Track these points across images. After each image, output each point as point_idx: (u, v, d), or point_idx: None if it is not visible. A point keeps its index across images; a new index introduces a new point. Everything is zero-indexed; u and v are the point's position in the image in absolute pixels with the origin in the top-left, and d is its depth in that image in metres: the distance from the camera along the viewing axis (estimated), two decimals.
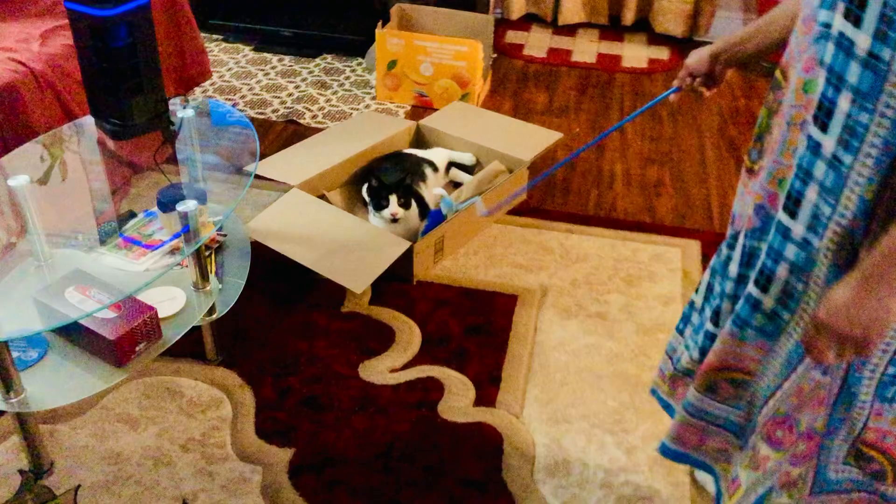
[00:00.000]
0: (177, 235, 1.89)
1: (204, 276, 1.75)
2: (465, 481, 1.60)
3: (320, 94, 2.98)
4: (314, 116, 2.84)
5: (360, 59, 3.24)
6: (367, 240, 2.06)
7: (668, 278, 2.15)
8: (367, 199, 2.22)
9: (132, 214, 2.01)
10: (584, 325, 1.99)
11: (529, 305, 2.05)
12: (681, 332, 1.45)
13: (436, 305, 2.04)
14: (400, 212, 2.12)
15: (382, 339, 1.94)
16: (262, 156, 2.42)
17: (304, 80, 3.08)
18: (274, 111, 2.86)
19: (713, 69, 1.37)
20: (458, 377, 1.84)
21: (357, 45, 3.23)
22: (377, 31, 2.84)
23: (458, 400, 1.78)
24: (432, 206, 2.28)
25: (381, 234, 2.09)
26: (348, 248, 2.03)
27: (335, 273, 1.95)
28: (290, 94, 2.97)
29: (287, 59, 3.23)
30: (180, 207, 1.66)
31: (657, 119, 2.94)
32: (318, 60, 3.23)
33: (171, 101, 1.93)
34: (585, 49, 3.44)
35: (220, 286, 1.84)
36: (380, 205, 2.13)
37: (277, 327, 1.95)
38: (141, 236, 1.94)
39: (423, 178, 2.34)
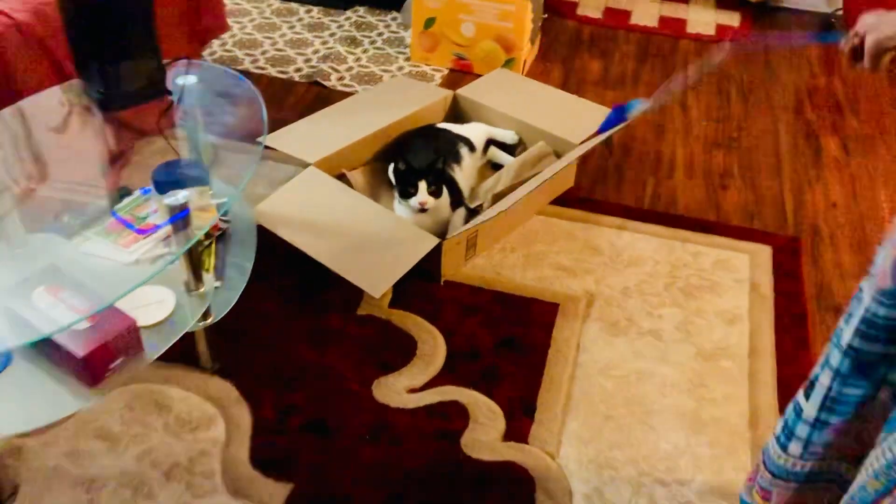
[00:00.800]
0: (171, 220, 1.66)
1: (197, 276, 1.51)
2: None
3: (349, 53, 2.69)
4: (341, 78, 2.56)
5: (395, 14, 2.94)
6: (389, 233, 1.80)
7: (733, 291, 1.87)
8: (392, 182, 1.96)
9: (125, 192, 1.78)
10: (635, 345, 1.73)
11: (572, 317, 1.78)
12: (784, 447, 1.21)
13: (464, 312, 1.78)
14: (430, 201, 1.85)
15: (402, 350, 1.69)
16: (281, 123, 2.17)
17: (332, 34, 2.79)
18: (297, 70, 2.58)
19: (866, 45, 1.05)
20: (486, 403, 1.59)
21: None
22: None
23: (485, 432, 1.54)
24: (466, 193, 2.01)
25: (405, 228, 1.83)
26: (367, 242, 1.78)
27: (351, 272, 1.70)
28: (315, 51, 2.69)
29: (315, 10, 2.93)
30: (168, 200, 1.42)
31: (725, 96, 2.61)
32: (349, 13, 2.93)
33: (176, 64, 1.67)
34: (646, 11, 3.09)
35: (218, 284, 1.60)
36: (407, 192, 1.86)
37: (284, 330, 1.72)
38: (134, 219, 1.70)
39: (457, 159, 2.06)
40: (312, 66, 2.60)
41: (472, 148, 2.12)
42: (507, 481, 1.45)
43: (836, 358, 1.12)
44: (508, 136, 2.21)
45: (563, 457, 1.50)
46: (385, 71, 2.62)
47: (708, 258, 1.96)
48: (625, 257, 1.95)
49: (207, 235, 1.71)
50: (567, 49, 2.81)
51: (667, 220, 2.07)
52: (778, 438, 1.24)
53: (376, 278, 1.70)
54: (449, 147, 2.07)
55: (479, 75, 2.60)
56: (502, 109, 2.23)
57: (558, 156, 2.11)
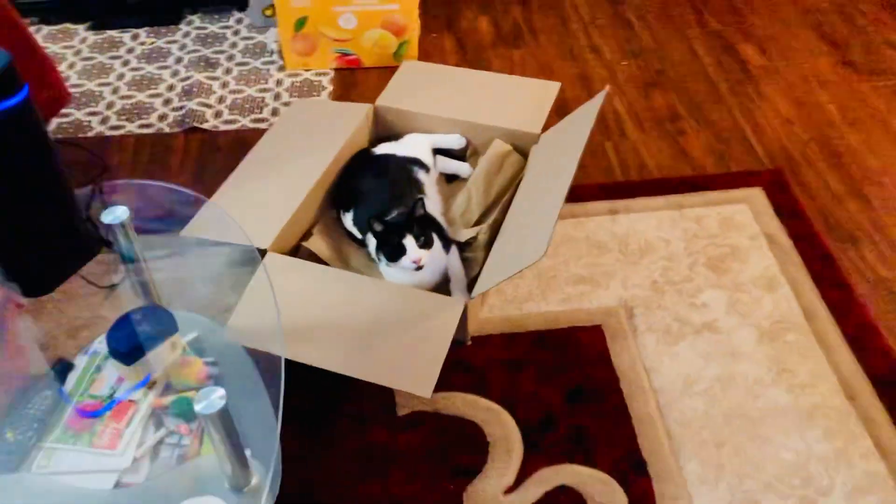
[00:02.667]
0: (142, 384, 1.31)
1: (242, 461, 1.16)
2: None
3: (211, 79, 2.25)
4: (218, 114, 2.14)
5: (238, 14, 2.50)
6: (402, 311, 1.51)
7: (754, 251, 1.76)
8: (374, 250, 1.64)
9: (65, 367, 1.38)
10: (698, 347, 1.58)
11: (622, 336, 1.61)
12: None
13: (511, 369, 1.55)
14: (424, 256, 1.56)
15: (470, 443, 1.45)
16: (179, 185, 1.77)
17: (178, 60, 2.33)
18: (162, 118, 2.13)
19: None
20: (592, 475, 1.39)
21: None
22: None
23: None
24: (443, 223, 1.74)
25: (417, 299, 1.54)
26: (383, 330, 1.48)
27: (387, 377, 1.41)
28: (170, 88, 2.23)
29: (142, 33, 2.43)
30: (135, 396, 1.08)
31: (624, 23, 2.45)
32: (183, 27, 2.45)
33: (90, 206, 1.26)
34: None
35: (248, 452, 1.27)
36: (394, 253, 1.57)
37: (330, 470, 1.41)
38: (98, 402, 1.33)
39: (420, 188, 1.77)
40: (177, 108, 2.15)
41: (425, 168, 1.83)
42: None
43: None
44: (455, 141, 1.93)
45: None
46: (263, 90, 2.22)
47: (712, 220, 1.84)
48: (634, 247, 1.78)
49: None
50: (445, 11, 2.52)
51: (650, 188, 1.92)
52: None
53: (419, 374, 1.41)
54: (405, 177, 1.77)
55: (371, 69, 2.29)
56: (435, 112, 1.94)
57: (519, 151, 1.88)
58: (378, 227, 1.57)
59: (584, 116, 1.71)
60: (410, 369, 1.42)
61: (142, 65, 2.31)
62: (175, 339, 1.34)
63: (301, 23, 2.19)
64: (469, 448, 1.44)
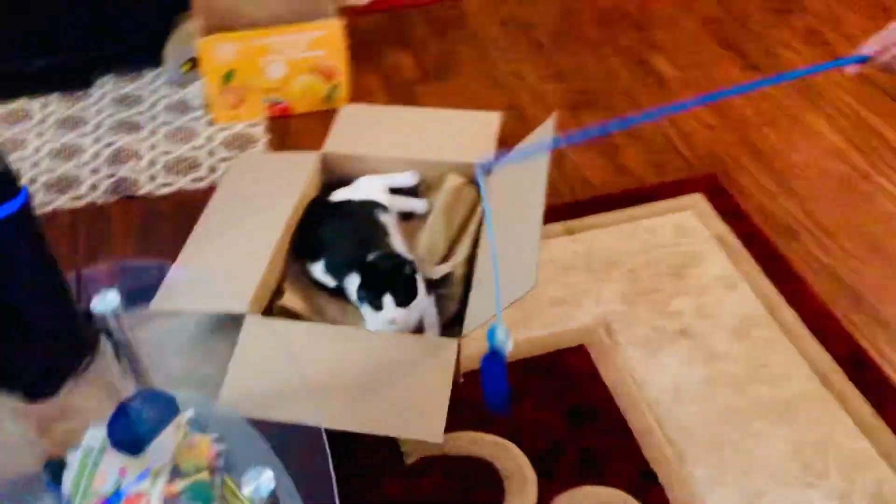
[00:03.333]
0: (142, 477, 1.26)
1: None
2: None
3: (137, 142, 2.17)
4: (152, 178, 2.06)
5: (152, 70, 2.42)
6: (397, 359, 1.50)
7: (709, 253, 1.85)
8: (354, 294, 1.62)
9: (56, 467, 1.30)
10: (679, 355, 1.65)
11: (606, 353, 1.65)
12: None
13: (512, 399, 1.57)
14: (399, 315, 1.56)
15: (485, 481, 1.45)
16: (131, 258, 1.70)
17: (98, 126, 2.23)
18: (92, 188, 2.03)
19: None
20: (609, 493, 1.42)
21: (142, 52, 2.39)
22: (200, 42, 2.07)
23: None
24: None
25: (408, 343, 1.54)
26: (381, 382, 1.47)
27: (396, 427, 1.40)
28: (96, 155, 2.13)
29: (52, 100, 2.31)
30: (142, 488, 1.04)
31: (540, 47, 2.53)
32: (96, 91, 2.35)
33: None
34: None
35: None
36: (374, 303, 1.55)
37: None
38: (103, 499, 1.25)
39: (384, 229, 1.77)
40: (108, 176, 2.06)
41: (385, 209, 1.83)
42: None
43: None
44: (407, 179, 1.94)
45: None
46: (196, 148, 2.16)
47: (665, 229, 1.92)
48: (598, 262, 1.84)
49: (212, 472, 1.31)
50: (365, 51, 2.53)
51: (600, 205, 1.98)
52: None
53: (425, 419, 1.41)
54: (368, 220, 1.77)
55: (303, 115, 2.27)
56: (384, 152, 1.94)
57: (473, 183, 1.90)
58: (365, 271, 1.56)
59: (535, 144, 1.76)
60: (416, 416, 1.42)
61: (60, 134, 2.20)
62: (178, 420, 1.29)
63: (229, 76, 2.14)
64: (485, 486, 1.44)
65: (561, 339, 1.69)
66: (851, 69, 1.15)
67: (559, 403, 1.57)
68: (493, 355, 1.36)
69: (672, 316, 1.73)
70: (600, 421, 1.54)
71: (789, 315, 1.71)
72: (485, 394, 1.38)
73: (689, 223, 1.94)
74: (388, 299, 1.52)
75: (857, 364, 1.62)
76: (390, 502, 1.42)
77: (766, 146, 2.16)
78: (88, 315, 1.15)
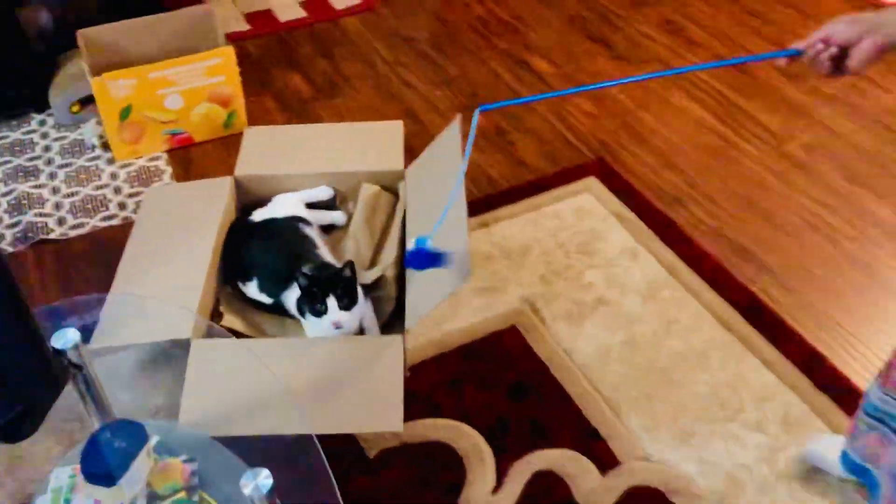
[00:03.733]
0: None
1: None
2: None
3: (36, 188, 2.13)
4: (61, 221, 2.04)
5: (38, 116, 2.37)
6: (347, 360, 1.57)
7: (610, 229, 2.02)
8: (294, 306, 1.68)
9: None
10: (600, 322, 1.80)
11: (534, 331, 1.78)
12: None
13: (454, 387, 1.67)
14: (344, 317, 1.63)
15: (445, 462, 1.54)
16: (46, 302, 1.69)
17: None
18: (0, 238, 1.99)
19: (861, 48, 1.15)
20: (559, 455, 1.55)
21: (22, 97, 2.34)
22: (94, 80, 2.06)
23: (587, 480, 1.51)
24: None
25: (354, 344, 1.61)
26: (331, 382, 1.53)
27: (357, 423, 1.47)
28: None
29: None
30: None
31: (425, 57, 2.65)
32: None
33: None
34: (284, 4, 2.91)
35: None
36: (316, 310, 1.62)
37: None
38: None
39: (312, 242, 1.83)
40: (13, 225, 2.02)
41: (308, 223, 1.89)
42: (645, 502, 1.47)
43: None
44: (323, 193, 2.00)
45: (654, 454, 1.55)
46: (100, 187, 2.14)
47: (567, 213, 2.07)
48: (513, 249, 1.97)
49: (188, 491, 1.34)
50: (256, 75, 2.57)
51: (505, 198, 2.12)
52: None
53: (383, 413, 1.49)
54: (295, 235, 1.83)
55: (204, 143, 2.29)
56: (295, 170, 2.00)
57: (387, 189, 1.99)
58: (304, 282, 1.61)
59: (446, 144, 1.87)
60: (374, 411, 1.49)
61: None
62: (148, 447, 1.31)
63: (126, 112, 2.14)
64: (446, 466, 1.54)
65: (492, 323, 1.80)
66: (782, 62, 1.24)
67: (500, 382, 1.68)
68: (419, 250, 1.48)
69: (587, 288, 1.88)
70: (540, 392, 1.66)
71: (689, 275, 1.90)
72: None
73: (587, 205, 2.10)
74: (331, 302, 1.58)
75: (753, 310, 1.82)
76: (361, 495, 1.49)
77: (644, 128, 2.36)
78: (57, 352, 1.16)
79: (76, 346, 1.24)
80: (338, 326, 1.61)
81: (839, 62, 1.14)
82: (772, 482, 1.50)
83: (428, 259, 1.50)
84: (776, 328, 1.77)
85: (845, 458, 1.42)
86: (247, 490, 1.06)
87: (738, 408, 1.63)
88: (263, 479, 1.07)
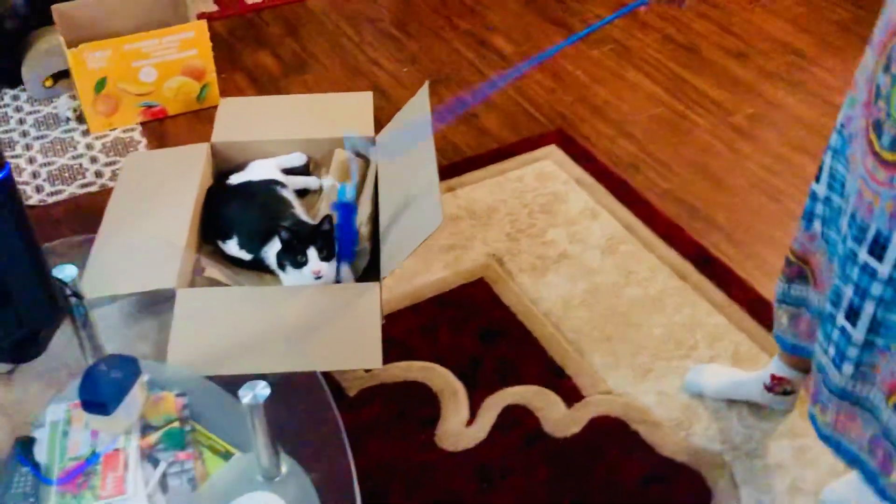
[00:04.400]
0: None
1: (276, 451, 1.24)
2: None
3: (12, 159, 2.18)
4: (39, 189, 2.08)
5: (10, 91, 2.41)
6: (326, 304, 1.66)
7: (570, 192, 2.14)
8: (273, 260, 1.75)
9: (24, 442, 1.36)
10: (563, 274, 1.91)
11: (502, 282, 1.89)
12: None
13: (427, 332, 1.77)
14: (324, 267, 1.71)
15: (421, 399, 1.64)
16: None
17: None
18: None
19: None
20: (527, 391, 1.66)
21: None
22: (70, 51, 2.11)
23: (554, 411, 1.62)
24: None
25: (333, 291, 1.70)
26: (313, 325, 1.62)
27: (337, 361, 1.56)
28: None
29: None
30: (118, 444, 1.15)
31: (389, 36, 2.75)
32: None
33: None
34: None
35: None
36: (297, 261, 1.70)
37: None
38: (81, 460, 1.33)
39: (289, 203, 1.91)
40: None
41: (284, 186, 1.97)
42: (608, 435, 1.58)
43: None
44: (296, 160, 2.08)
45: (616, 388, 1.67)
46: (75, 158, 2.19)
47: (529, 177, 2.19)
48: (480, 212, 2.08)
49: (181, 421, 1.41)
50: (225, 52, 2.64)
51: (472, 164, 2.22)
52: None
53: (363, 352, 1.58)
54: (272, 197, 1.91)
55: (177, 115, 2.36)
56: (270, 137, 2.08)
57: (359, 155, 2.08)
58: (285, 235, 1.69)
59: (415, 110, 1.97)
60: (353, 351, 1.59)
61: None
62: (142, 380, 1.38)
63: (101, 84, 2.20)
64: (422, 403, 1.63)
65: (461, 275, 1.91)
66: (643, 10, 1.41)
67: (470, 327, 1.79)
68: (344, 205, 1.70)
69: (550, 245, 1.99)
70: (508, 335, 1.77)
71: (645, 231, 2.03)
72: (339, 242, 1.70)
73: (548, 170, 2.22)
74: (311, 253, 1.67)
75: (704, 261, 1.95)
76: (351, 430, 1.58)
77: (600, 101, 2.49)
78: (58, 281, 1.23)
79: (75, 280, 1.31)
80: (318, 276, 1.70)
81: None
82: (724, 410, 1.63)
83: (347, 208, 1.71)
84: (725, 276, 1.91)
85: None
86: (245, 399, 1.14)
87: (692, 346, 1.76)
88: (261, 389, 1.15)
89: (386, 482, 1.51)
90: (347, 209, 1.71)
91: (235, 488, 1.24)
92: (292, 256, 1.70)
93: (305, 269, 1.69)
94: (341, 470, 1.34)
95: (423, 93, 1.94)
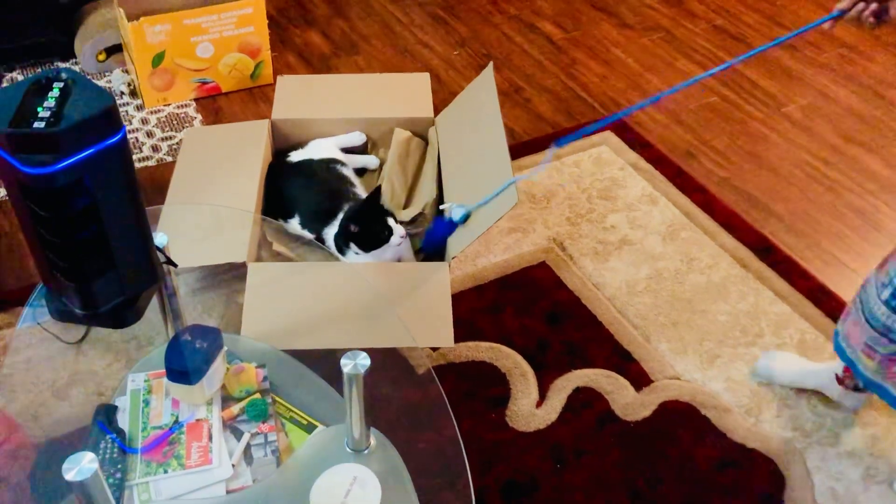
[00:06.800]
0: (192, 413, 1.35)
1: (367, 423, 1.23)
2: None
3: None
4: None
5: (63, 64, 2.40)
6: (394, 282, 1.66)
7: (628, 178, 2.13)
8: (332, 241, 1.75)
9: (106, 410, 1.36)
10: (625, 258, 1.91)
11: (564, 266, 1.88)
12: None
13: (493, 312, 1.76)
14: (403, 231, 1.71)
15: (490, 379, 1.64)
16: None
17: None
18: None
19: None
20: (596, 373, 1.65)
21: (48, 44, 2.37)
22: (131, 24, 2.10)
23: (624, 394, 1.62)
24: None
25: (403, 270, 1.70)
26: (384, 302, 1.62)
27: (410, 339, 1.55)
28: None
29: None
30: (200, 415, 1.15)
31: (439, 19, 2.73)
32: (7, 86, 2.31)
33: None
34: None
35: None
36: (379, 239, 1.68)
37: (386, 432, 1.53)
38: (165, 429, 1.33)
39: (349, 181, 1.91)
40: None
41: (344, 164, 1.97)
42: (683, 421, 1.58)
43: None
44: (356, 139, 2.08)
45: (684, 373, 1.67)
46: (132, 133, 2.19)
47: (587, 163, 2.18)
48: (539, 196, 2.07)
49: (262, 393, 1.40)
50: (275, 32, 2.62)
51: (528, 148, 2.21)
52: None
53: (434, 330, 1.58)
54: (333, 175, 1.90)
55: (231, 93, 2.35)
56: (329, 115, 2.08)
57: (417, 135, 2.08)
58: (354, 227, 1.68)
59: (480, 91, 1.96)
60: (425, 329, 1.59)
61: None
62: (223, 351, 1.38)
63: (159, 58, 2.19)
64: (491, 383, 1.63)
65: (523, 258, 1.90)
66: (828, 25, 1.38)
67: (536, 310, 1.78)
68: (450, 221, 1.71)
69: (611, 230, 1.99)
70: (574, 319, 1.77)
71: (705, 219, 2.02)
72: (426, 239, 1.77)
73: (605, 156, 2.21)
74: (391, 222, 1.67)
75: (765, 250, 1.94)
76: (414, 406, 1.58)
77: (652, 88, 2.48)
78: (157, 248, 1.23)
79: (166, 248, 1.31)
80: (400, 243, 1.69)
81: (880, 15, 1.30)
82: (793, 398, 1.62)
83: (446, 228, 1.73)
84: (787, 265, 1.90)
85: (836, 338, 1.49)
86: (347, 369, 1.13)
87: (758, 333, 1.75)
88: (362, 360, 1.15)
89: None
90: (452, 227, 1.72)
91: (322, 461, 1.24)
92: (377, 233, 1.68)
93: (393, 239, 1.68)
94: (427, 444, 1.34)
95: (489, 73, 1.93)
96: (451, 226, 1.72)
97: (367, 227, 1.69)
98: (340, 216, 1.76)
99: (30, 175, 0.89)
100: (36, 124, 0.89)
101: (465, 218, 1.71)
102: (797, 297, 1.83)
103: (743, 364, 1.69)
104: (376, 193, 1.72)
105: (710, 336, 1.74)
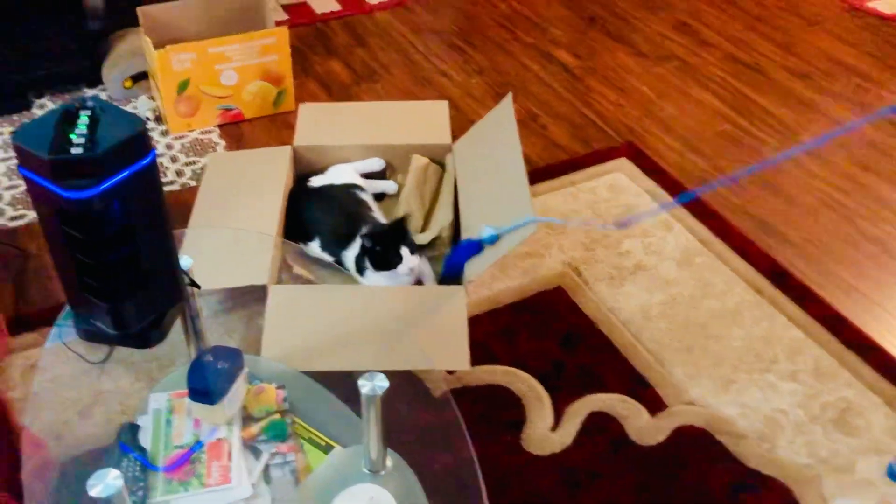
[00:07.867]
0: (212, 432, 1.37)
1: (385, 444, 1.26)
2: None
3: None
4: None
5: (90, 91, 2.46)
6: (411, 305, 1.69)
7: (643, 204, 2.16)
8: (352, 264, 1.79)
9: (129, 429, 1.39)
10: (640, 284, 1.93)
11: (579, 291, 1.90)
12: None
13: (507, 336, 1.79)
14: (415, 261, 1.75)
15: (505, 402, 1.66)
16: None
17: None
18: None
19: None
20: (612, 399, 1.67)
21: (75, 71, 2.43)
22: (157, 53, 2.17)
23: (638, 418, 1.63)
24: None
25: (420, 293, 1.73)
26: (400, 325, 1.65)
27: (425, 361, 1.58)
28: None
29: None
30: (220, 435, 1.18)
31: (456, 48, 2.79)
32: (37, 112, 2.37)
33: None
34: None
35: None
36: (389, 263, 1.73)
37: (402, 454, 1.55)
38: (186, 448, 1.36)
39: (368, 206, 1.95)
40: None
41: (363, 190, 2.01)
42: (694, 447, 1.59)
43: None
44: (375, 164, 2.12)
45: (698, 399, 1.68)
46: (157, 157, 2.23)
47: (602, 189, 2.21)
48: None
49: (282, 413, 1.43)
50: (296, 60, 2.68)
51: (543, 174, 2.24)
52: None
53: (450, 353, 1.60)
54: (353, 200, 1.94)
55: (254, 119, 2.41)
56: (349, 142, 2.12)
57: (435, 161, 2.11)
58: (370, 241, 1.73)
59: (497, 120, 2.00)
60: (442, 351, 1.61)
61: (10, 154, 2.22)
62: (244, 372, 1.41)
63: (184, 85, 2.25)
64: (507, 406, 1.65)
65: (539, 283, 1.92)
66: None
67: (550, 333, 1.80)
68: (478, 242, 1.73)
69: (626, 255, 2.01)
70: (588, 342, 1.78)
71: (719, 245, 2.04)
72: (448, 262, 1.79)
73: (620, 182, 2.24)
74: (404, 250, 1.70)
75: (779, 276, 1.96)
76: (428, 428, 1.59)
77: (666, 116, 2.51)
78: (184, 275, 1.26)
79: (190, 270, 1.34)
80: (410, 272, 1.73)
81: None
82: (808, 424, 1.63)
83: (467, 251, 1.76)
84: (801, 292, 1.91)
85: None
86: (364, 390, 1.16)
87: (773, 359, 1.76)
88: (380, 381, 1.17)
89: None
90: (479, 248, 1.74)
91: (339, 481, 1.26)
92: (388, 255, 1.73)
93: (401, 267, 1.72)
94: (442, 466, 1.36)
95: (507, 103, 1.97)
96: (478, 246, 1.75)
97: (382, 247, 1.72)
98: (359, 239, 1.80)
99: (70, 200, 0.93)
100: (74, 150, 0.93)
101: (495, 240, 1.73)
102: (811, 322, 1.84)
103: (757, 390, 1.70)
104: (403, 221, 1.76)
105: (725, 361, 1.76)
